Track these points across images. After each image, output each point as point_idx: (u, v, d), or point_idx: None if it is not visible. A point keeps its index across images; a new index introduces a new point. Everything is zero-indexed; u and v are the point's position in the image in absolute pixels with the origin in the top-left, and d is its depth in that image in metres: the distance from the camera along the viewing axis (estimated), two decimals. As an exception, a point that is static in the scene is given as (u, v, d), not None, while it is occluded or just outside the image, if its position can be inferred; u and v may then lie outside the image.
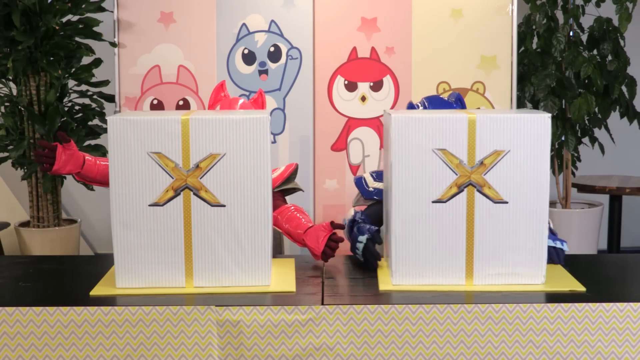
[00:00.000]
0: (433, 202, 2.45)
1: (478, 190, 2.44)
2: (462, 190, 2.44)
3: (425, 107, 2.93)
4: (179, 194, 2.43)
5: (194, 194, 2.43)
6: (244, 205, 2.44)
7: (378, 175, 3.10)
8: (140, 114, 2.50)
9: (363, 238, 2.75)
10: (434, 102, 2.97)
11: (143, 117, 2.41)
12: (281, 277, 2.58)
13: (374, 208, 3.02)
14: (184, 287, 2.46)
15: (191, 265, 2.46)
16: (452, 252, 2.47)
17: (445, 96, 3.13)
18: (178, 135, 2.40)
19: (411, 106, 2.98)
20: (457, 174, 2.44)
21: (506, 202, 2.45)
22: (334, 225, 2.74)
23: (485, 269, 2.47)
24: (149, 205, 2.43)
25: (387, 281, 2.54)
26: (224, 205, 2.44)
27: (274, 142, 4.13)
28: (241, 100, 3.13)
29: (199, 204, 2.43)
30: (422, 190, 2.44)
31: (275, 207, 3.07)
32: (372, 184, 3.07)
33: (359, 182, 3.11)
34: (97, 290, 2.45)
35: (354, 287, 2.55)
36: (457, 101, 3.00)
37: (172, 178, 2.42)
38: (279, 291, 2.45)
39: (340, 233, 2.86)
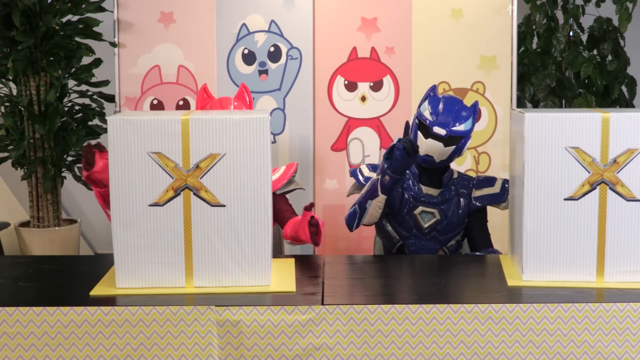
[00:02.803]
0: (565, 199, 2.50)
1: (611, 188, 2.49)
2: (595, 188, 2.49)
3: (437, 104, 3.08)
4: (179, 194, 2.43)
5: (194, 194, 2.43)
6: (244, 205, 2.44)
7: (374, 168, 3.24)
8: (140, 114, 2.50)
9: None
10: (450, 100, 3.11)
11: (143, 117, 2.41)
12: (281, 277, 2.58)
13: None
14: (184, 287, 2.46)
15: (191, 265, 2.46)
16: (583, 249, 2.51)
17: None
18: (178, 135, 2.40)
19: (433, 91, 3.16)
20: (589, 172, 2.48)
21: (639, 200, 2.48)
22: (307, 207, 2.76)
23: (616, 266, 2.51)
24: (149, 205, 2.43)
25: (516, 277, 2.58)
26: (224, 205, 2.44)
27: (274, 142, 4.13)
28: (231, 105, 3.13)
29: (199, 204, 2.43)
30: (555, 188, 2.50)
31: (281, 212, 3.07)
32: (368, 174, 3.16)
33: (355, 173, 3.26)
34: (97, 290, 2.45)
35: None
36: (472, 105, 3.13)
37: (172, 178, 2.42)
38: (279, 291, 2.45)
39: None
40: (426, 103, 3.09)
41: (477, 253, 3.08)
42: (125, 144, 2.40)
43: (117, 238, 2.44)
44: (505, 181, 3.19)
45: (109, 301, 2.36)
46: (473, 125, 3.08)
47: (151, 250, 2.44)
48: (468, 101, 4.12)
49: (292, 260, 2.80)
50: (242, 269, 2.47)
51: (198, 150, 2.41)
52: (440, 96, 3.12)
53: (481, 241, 3.16)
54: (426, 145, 3.03)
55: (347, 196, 3.30)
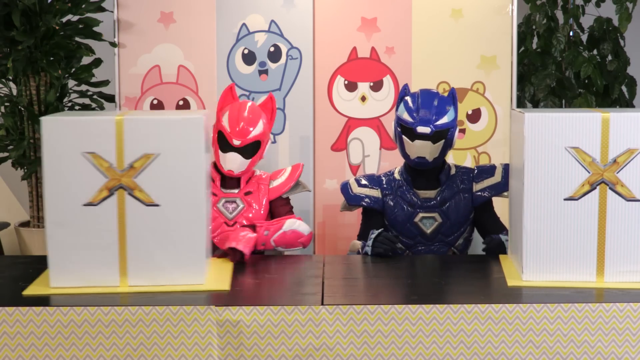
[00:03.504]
0: (565, 199, 2.50)
1: (610, 188, 2.48)
2: (595, 188, 2.49)
3: (416, 99, 3.05)
4: (113, 193, 2.45)
5: (129, 193, 2.45)
6: (178, 205, 2.47)
7: (368, 180, 3.19)
8: (74, 114, 2.54)
9: (372, 235, 2.90)
10: (425, 95, 3.07)
11: (77, 117, 2.45)
12: (216, 275, 2.61)
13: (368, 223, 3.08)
14: (119, 286, 2.48)
15: (125, 264, 2.47)
16: (583, 249, 2.51)
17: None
18: (112, 136, 2.43)
19: (404, 90, 3.12)
20: (589, 172, 2.48)
21: (639, 200, 2.49)
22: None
23: (616, 266, 2.51)
24: (83, 205, 2.44)
25: (516, 277, 2.57)
26: (158, 205, 2.46)
27: (274, 142, 4.13)
28: (249, 103, 3.18)
29: (133, 204, 2.45)
30: (555, 188, 2.50)
31: (278, 215, 3.10)
32: (357, 190, 3.12)
33: (344, 188, 3.20)
34: (31, 290, 2.46)
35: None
36: (449, 93, 3.09)
37: (107, 178, 2.44)
38: (212, 289, 2.48)
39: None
40: (402, 105, 3.06)
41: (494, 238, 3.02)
42: (59, 144, 2.42)
43: (52, 238, 2.45)
44: (505, 167, 3.14)
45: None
46: (456, 113, 3.04)
47: (85, 250, 2.46)
48: (468, 101, 4.12)
49: (227, 259, 2.84)
50: (177, 267, 2.49)
51: (132, 151, 2.44)
52: (414, 93, 3.08)
53: (495, 229, 3.13)
54: (415, 148, 3.00)
55: (341, 211, 3.27)
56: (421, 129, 2.97)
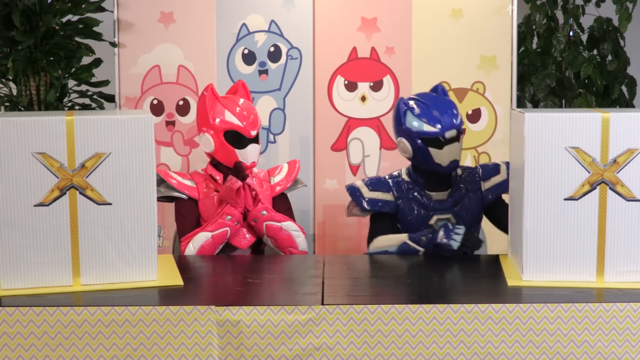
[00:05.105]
0: (565, 199, 2.50)
1: (611, 188, 2.48)
2: (595, 188, 2.49)
3: (421, 104, 3.01)
4: (65, 193, 2.46)
5: (80, 193, 2.46)
6: (130, 203, 2.49)
7: (373, 184, 3.10)
8: (24, 114, 2.54)
9: (460, 230, 2.88)
10: (428, 98, 3.04)
11: (27, 117, 2.44)
12: (166, 272, 2.63)
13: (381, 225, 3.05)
14: (71, 285, 2.49)
15: (78, 263, 2.49)
16: (583, 249, 2.51)
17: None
18: (63, 136, 2.44)
19: (404, 104, 3.05)
20: (589, 172, 2.48)
21: (639, 200, 2.48)
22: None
23: (616, 266, 2.51)
24: (34, 206, 2.45)
25: (516, 277, 2.57)
26: (110, 204, 2.48)
27: (274, 142, 4.13)
28: (239, 98, 3.20)
29: (85, 203, 2.47)
30: (555, 188, 2.50)
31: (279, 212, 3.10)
32: (368, 194, 3.05)
33: (354, 193, 3.08)
34: None
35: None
36: (439, 90, 3.09)
37: (58, 178, 2.45)
38: (166, 285, 2.51)
39: None
40: (412, 118, 2.98)
41: None
42: (9, 144, 2.42)
43: (2, 239, 2.45)
44: (508, 165, 3.10)
45: (99, 300, 2.36)
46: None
47: (37, 250, 2.47)
48: (468, 101, 4.13)
49: (170, 255, 2.87)
50: (129, 265, 2.51)
51: (83, 150, 2.45)
52: (417, 101, 3.01)
53: None
54: (446, 155, 2.97)
55: (348, 216, 3.18)
56: (449, 134, 2.95)
